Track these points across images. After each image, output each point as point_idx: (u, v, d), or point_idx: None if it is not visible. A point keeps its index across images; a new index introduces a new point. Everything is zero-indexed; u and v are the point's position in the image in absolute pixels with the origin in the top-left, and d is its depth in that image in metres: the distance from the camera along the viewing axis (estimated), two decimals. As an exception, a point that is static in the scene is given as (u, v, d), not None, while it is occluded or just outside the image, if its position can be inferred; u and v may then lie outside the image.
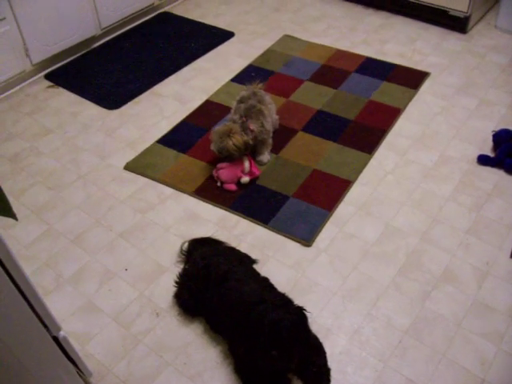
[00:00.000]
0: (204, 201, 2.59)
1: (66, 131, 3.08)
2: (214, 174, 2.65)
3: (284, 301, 1.80)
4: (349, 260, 2.29)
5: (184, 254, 2.30)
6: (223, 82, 3.39)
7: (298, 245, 2.36)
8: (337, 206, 2.52)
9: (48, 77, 3.54)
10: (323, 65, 3.48)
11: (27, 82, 3.49)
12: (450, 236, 2.37)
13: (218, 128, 2.61)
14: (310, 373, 1.84)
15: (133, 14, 3.96)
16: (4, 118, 3.19)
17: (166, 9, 4.27)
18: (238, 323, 1.80)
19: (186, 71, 3.55)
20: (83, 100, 3.32)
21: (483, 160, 2.70)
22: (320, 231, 2.41)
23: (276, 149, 2.84)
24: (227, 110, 3.05)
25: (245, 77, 3.38)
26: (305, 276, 2.23)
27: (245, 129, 2.60)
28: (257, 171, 2.65)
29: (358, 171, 2.70)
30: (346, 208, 2.52)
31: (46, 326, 1.36)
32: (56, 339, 1.44)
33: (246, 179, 2.61)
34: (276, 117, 2.90)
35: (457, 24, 3.73)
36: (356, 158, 2.77)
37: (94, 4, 3.59)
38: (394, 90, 3.23)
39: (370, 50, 3.61)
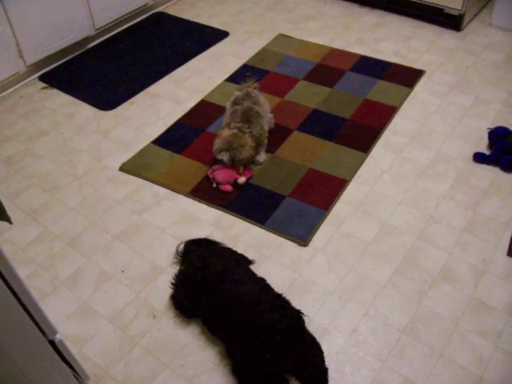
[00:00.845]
0: (200, 201, 2.58)
1: (61, 133, 3.07)
2: (210, 175, 2.65)
3: (281, 302, 1.80)
4: (345, 259, 2.29)
5: (180, 255, 2.29)
6: (218, 82, 3.38)
7: (294, 245, 2.36)
8: (333, 206, 2.52)
9: (42, 78, 3.53)
10: (318, 64, 3.48)
11: (21, 83, 3.48)
12: (446, 234, 2.37)
13: (227, 137, 2.57)
14: (308, 373, 1.84)
15: (127, 14, 3.95)
16: (-2, 120, 3.19)
17: (160, 9, 4.26)
18: (235, 324, 1.79)
19: (180, 71, 3.54)
20: (78, 101, 3.31)
21: (479, 158, 2.71)
22: (316, 231, 2.41)
23: (271, 148, 2.83)
24: (222, 109, 3.05)
25: (239, 76, 3.37)
26: (301, 276, 2.23)
27: (251, 137, 2.60)
28: (249, 171, 2.67)
29: (354, 170, 2.69)
30: (342, 207, 2.52)
31: (41, 330, 1.35)
32: (52, 343, 1.43)
33: (242, 179, 2.61)
34: (271, 115, 2.90)
35: (451, 22, 3.73)
36: (352, 156, 2.76)
37: (87, 4, 3.58)
38: (390, 88, 3.23)
39: (365, 49, 3.61)
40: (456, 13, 3.64)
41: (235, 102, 2.72)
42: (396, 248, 2.32)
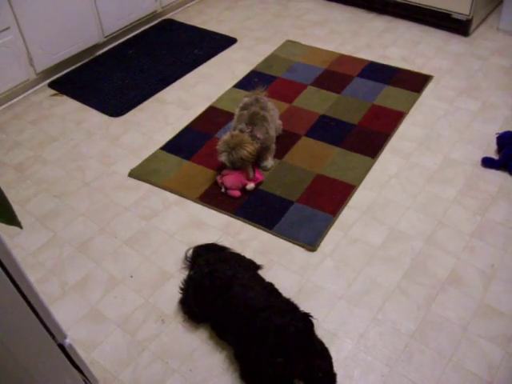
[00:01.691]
0: (208, 207, 2.59)
1: (71, 139, 3.09)
2: (219, 180, 2.66)
3: (290, 307, 1.80)
4: (354, 264, 2.29)
5: (189, 261, 2.30)
6: (226, 88, 3.40)
7: (302, 250, 2.36)
8: (341, 211, 2.52)
9: (52, 85, 3.56)
10: (326, 69, 3.49)
11: (31, 90, 3.51)
12: (455, 239, 2.36)
13: (226, 139, 2.59)
14: (317, 378, 1.83)
15: (136, 21, 3.98)
16: (9, 127, 3.21)
17: (168, 16, 4.29)
18: (244, 329, 1.80)
19: (189, 78, 3.56)
20: (87, 108, 3.33)
21: (487, 162, 2.70)
22: (325, 236, 2.41)
23: (280, 154, 2.84)
24: (231, 116, 3.06)
25: (248, 82, 3.39)
26: (310, 281, 2.23)
27: (253, 137, 2.61)
28: (260, 176, 2.66)
29: (362, 175, 2.69)
30: (350, 212, 2.52)
31: (51, 334, 1.36)
32: (62, 347, 1.44)
33: (251, 186, 2.62)
34: (279, 122, 2.91)
35: (459, 27, 3.73)
36: (360, 162, 2.77)
37: (96, 12, 3.61)
38: (398, 93, 3.23)
39: (373, 54, 3.62)
40: (464, 18, 3.64)
41: (243, 108, 2.74)
42: (404, 253, 2.32)
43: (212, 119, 3.15)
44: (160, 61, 3.73)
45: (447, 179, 2.65)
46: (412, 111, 3.10)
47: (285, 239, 2.41)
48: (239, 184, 2.61)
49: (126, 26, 3.92)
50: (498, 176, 2.65)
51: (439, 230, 2.40)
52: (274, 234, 2.43)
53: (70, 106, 3.36)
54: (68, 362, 1.47)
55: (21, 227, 1.16)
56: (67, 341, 1.45)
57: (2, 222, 1.10)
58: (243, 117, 2.67)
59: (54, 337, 1.37)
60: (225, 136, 2.62)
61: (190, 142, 2.98)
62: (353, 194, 2.60)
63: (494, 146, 2.80)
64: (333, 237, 2.41)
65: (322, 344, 1.91)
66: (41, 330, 1.29)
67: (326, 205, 2.54)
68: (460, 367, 1.90)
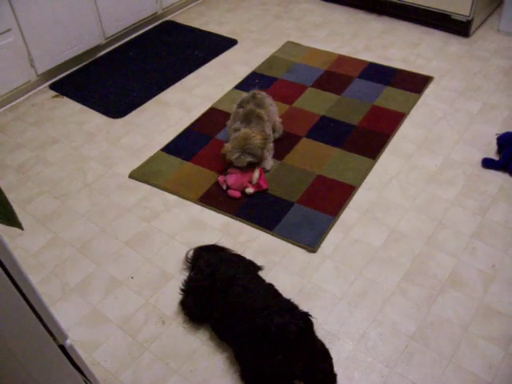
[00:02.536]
0: (209, 208, 2.60)
1: (72, 140, 3.10)
2: (221, 179, 2.66)
3: (289, 306, 1.80)
4: (354, 265, 2.29)
5: (189, 262, 2.31)
6: (227, 90, 3.41)
7: (303, 251, 2.37)
8: (341, 212, 2.52)
9: (53, 87, 3.57)
10: (326, 71, 3.49)
11: (32, 92, 3.52)
12: (455, 240, 2.36)
13: (231, 145, 2.60)
14: (317, 379, 1.83)
15: (136, 23, 3.99)
16: (10, 128, 3.22)
17: (169, 17, 4.30)
18: (244, 330, 1.80)
19: (189, 79, 3.56)
20: (88, 109, 3.34)
21: (487, 163, 2.70)
22: (325, 237, 2.41)
23: (280, 155, 2.84)
24: (231, 117, 3.07)
25: (248, 84, 3.39)
26: (310, 282, 2.24)
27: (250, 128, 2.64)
28: (264, 184, 2.64)
29: (363, 176, 2.70)
30: (350, 213, 2.52)
31: (52, 335, 1.36)
32: (62, 348, 1.44)
33: (250, 190, 2.61)
34: (279, 120, 2.90)
35: (459, 28, 3.73)
36: (360, 163, 2.77)
37: (97, 14, 3.62)
38: (398, 94, 3.23)
39: (373, 56, 3.62)
40: (464, 19, 3.64)
41: (240, 105, 2.74)
42: (405, 254, 2.32)
43: (213, 120, 3.15)
44: (161, 62, 3.74)
45: (447, 180, 2.66)
46: (412, 112, 3.10)
47: (285, 240, 2.41)
48: (240, 185, 2.61)
49: (126, 28, 3.93)
50: (498, 177, 2.65)
51: (439, 231, 2.41)
52: (274, 235, 2.44)
53: (71, 107, 3.37)
54: (69, 363, 1.47)
55: (22, 228, 1.17)
56: (68, 342, 1.45)
57: (3, 223, 1.11)
58: (239, 115, 2.68)
59: (54, 338, 1.37)
60: (228, 145, 2.63)
61: (191, 144, 2.99)
62: (353, 194, 2.61)
63: (494, 146, 2.80)
64: (333, 238, 2.41)
65: (322, 345, 1.91)
66: (42, 331, 1.29)
67: (327, 206, 2.55)
68: (460, 368, 1.91)
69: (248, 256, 2.30)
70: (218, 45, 3.89)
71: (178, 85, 3.51)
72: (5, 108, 3.38)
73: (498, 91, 3.22)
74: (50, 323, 1.34)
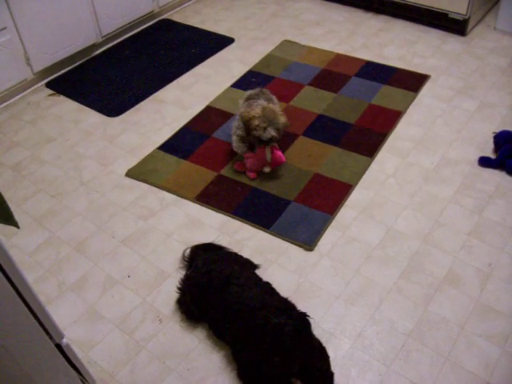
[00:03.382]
0: (206, 207, 2.59)
1: (68, 139, 3.09)
2: (238, 166, 2.75)
3: (287, 306, 1.80)
4: (351, 264, 2.29)
5: (186, 260, 2.30)
6: (224, 88, 3.40)
7: (300, 249, 2.37)
8: (338, 210, 2.52)
9: (49, 85, 3.55)
10: (323, 69, 3.49)
11: (29, 90, 3.51)
12: (452, 238, 2.36)
13: (262, 109, 2.56)
14: (314, 377, 1.83)
15: (133, 21, 3.98)
16: (6, 127, 3.21)
17: (165, 16, 4.29)
18: (241, 329, 1.80)
19: (186, 77, 3.56)
20: (84, 108, 3.33)
21: (484, 162, 2.70)
22: (322, 235, 2.41)
23: (277, 153, 2.84)
24: (228, 115, 3.07)
25: (245, 82, 3.39)
26: (307, 280, 2.23)
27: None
28: (281, 158, 2.67)
29: (360, 175, 2.70)
30: (347, 212, 2.52)
31: (48, 334, 1.36)
32: (59, 347, 1.44)
33: (266, 169, 2.72)
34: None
35: (456, 26, 3.74)
36: (357, 161, 2.77)
37: (94, 12, 3.61)
38: (395, 93, 3.23)
39: (370, 54, 3.62)
40: (461, 17, 3.65)
41: (249, 98, 2.73)
42: (401, 252, 2.32)
43: (209, 119, 3.15)
44: (157, 61, 3.73)
45: (444, 178, 2.66)
46: (409, 111, 3.10)
47: (282, 239, 2.41)
48: (259, 166, 2.69)
49: (123, 26, 3.92)
50: (495, 175, 2.66)
51: (436, 229, 2.41)
52: (271, 234, 2.44)
53: (67, 105, 3.36)
54: (65, 362, 1.47)
55: (18, 227, 1.16)
56: (64, 340, 1.45)
57: (0, 221, 1.11)
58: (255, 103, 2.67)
59: (51, 337, 1.37)
60: (252, 112, 2.57)
61: (188, 142, 2.98)
62: (350, 193, 2.61)
63: (490, 145, 2.81)
64: (330, 236, 2.41)
65: (319, 343, 1.91)
66: (38, 330, 1.29)
67: (324, 204, 2.54)
68: (457, 366, 1.91)
69: (245, 254, 2.29)
70: (214, 43, 3.88)
71: (174, 83, 3.51)
72: (0, 106, 3.37)
73: (495, 89, 3.22)
74: (47, 322, 1.33)
